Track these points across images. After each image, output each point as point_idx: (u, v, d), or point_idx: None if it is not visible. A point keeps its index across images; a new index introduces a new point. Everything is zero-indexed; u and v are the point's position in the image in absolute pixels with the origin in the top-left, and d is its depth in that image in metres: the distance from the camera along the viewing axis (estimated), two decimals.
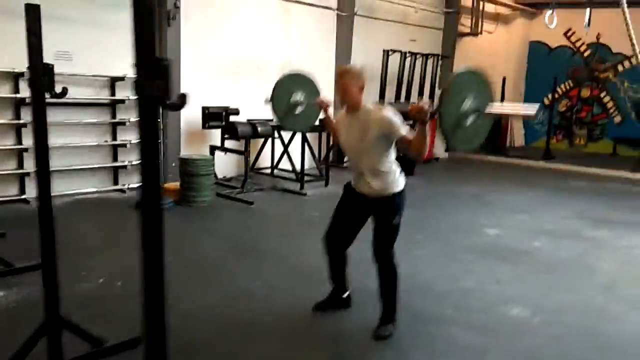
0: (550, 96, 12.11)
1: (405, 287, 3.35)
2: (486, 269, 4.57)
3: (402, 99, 10.18)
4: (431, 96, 10.61)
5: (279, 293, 3.87)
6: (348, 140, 3.22)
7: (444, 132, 2.61)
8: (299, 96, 3.73)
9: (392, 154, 3.17)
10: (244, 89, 8.04)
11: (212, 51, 7.56)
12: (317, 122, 4.06)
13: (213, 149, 7.50)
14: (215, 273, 4.23)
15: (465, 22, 11.75)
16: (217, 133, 7.68)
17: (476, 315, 3.61)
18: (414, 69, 10.42)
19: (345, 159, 9.33)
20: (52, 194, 6.46)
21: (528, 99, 13.21)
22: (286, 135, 8.01)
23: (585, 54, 12.97)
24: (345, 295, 3.56)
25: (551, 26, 9.34)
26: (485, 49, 12.07)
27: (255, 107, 7.96)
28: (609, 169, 10.16)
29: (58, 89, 2.42)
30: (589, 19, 9.46)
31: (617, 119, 12.80)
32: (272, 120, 7.96)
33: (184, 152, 7.32)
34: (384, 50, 9.86)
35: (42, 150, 2.42)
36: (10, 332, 3.08)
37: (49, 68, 2.34)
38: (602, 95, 12.92)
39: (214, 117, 7.32)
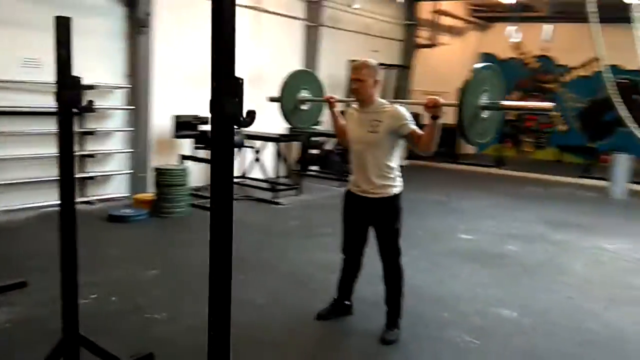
0: None
1: None
2: (469, 273, 4.78)
3: None
4: None
5: (278, 303, 3.89)
6: (358, 134, 3.25)
7: (462, 125, 2.65)
8: (305, 93, 3.80)
9: (397, 153, 3.28)
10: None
11: (182, 59, 7.46)
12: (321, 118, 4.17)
13: (183, 158, 7.39)
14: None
15: (423, 34, 12.16)
16: (185, 142, 7.56)
17: (471, 318, 3.78)
18: None
19: (314, 167, 9.42)
20: (16, 208, 6.09)
21: None
22: (258, 144, 8.01)
23: (532, 66, 13.71)
24: (348, 302, 3.65)
25: (515, 40, 9.92)
26: (442, 60, 12.53)
27: None
28: (557, 175, 10.78)
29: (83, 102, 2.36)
30: (552, 33, 10.11)
31: (562, 127, 13.60)
32: (242, 129, 7.96)
33: (153, 162, 7.17)
34: (348, 60, 10.03)
35: (67, 165, 2.36)
36: (10, 353, 2.96)
37: (77, 81, 2.28)
38: None
39: (185, 126, 7.21)
